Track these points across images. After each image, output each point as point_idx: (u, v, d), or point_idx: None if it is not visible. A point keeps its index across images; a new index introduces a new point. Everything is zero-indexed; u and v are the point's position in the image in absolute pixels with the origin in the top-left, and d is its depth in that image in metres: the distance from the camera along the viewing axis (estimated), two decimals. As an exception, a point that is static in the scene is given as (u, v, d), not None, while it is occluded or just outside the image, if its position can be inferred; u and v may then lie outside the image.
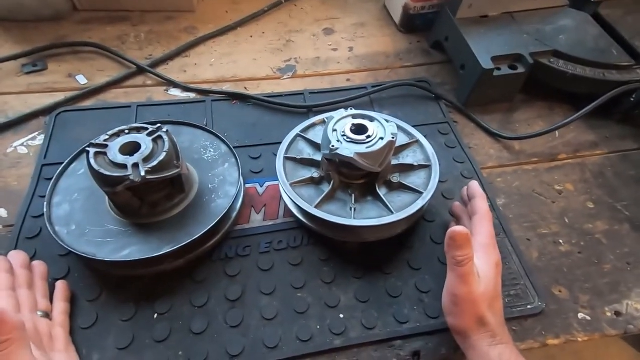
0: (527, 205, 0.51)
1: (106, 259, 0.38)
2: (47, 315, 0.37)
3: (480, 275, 0.36)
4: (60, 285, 0.40)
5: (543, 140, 0.58)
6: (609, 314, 0.43)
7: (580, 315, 0.42)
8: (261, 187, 0.51)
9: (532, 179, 0.54)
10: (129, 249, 0.40)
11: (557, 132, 0.58)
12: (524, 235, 0.48)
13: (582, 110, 0.55)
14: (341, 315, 0.41)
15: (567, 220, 0.50)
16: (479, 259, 0.37)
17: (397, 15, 0.74)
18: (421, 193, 0.44)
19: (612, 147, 0.58)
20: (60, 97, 0.58)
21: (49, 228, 0.40)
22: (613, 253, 0.47)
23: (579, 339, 0.41)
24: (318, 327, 0.40)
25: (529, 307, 0.42)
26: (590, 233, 0.49)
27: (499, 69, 0.57)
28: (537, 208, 0.51)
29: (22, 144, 0.53)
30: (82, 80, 0.62)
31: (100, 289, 0.41)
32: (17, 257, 0.39)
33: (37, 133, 0.54)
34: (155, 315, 0.40)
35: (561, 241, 0.48)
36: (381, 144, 0.42)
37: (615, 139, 0.59)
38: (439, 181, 0.45)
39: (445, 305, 0.37)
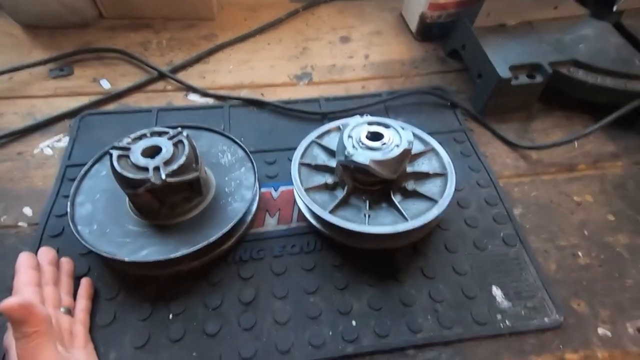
0: (545, 216, 0.50)
1: (125, 259, 0.39)
2: (70, 311, 0.38)
3: None
4: (85, 283, 0.41)
5: (561, 150, 0.57)
6: (630, 330, 0.41)
7: (601, 331, 0.41)
8: (276, 191, 0.52)
9: (550, 189, 0.53)
10: (148, 250, 0.41)
11: (575, 143, 0.57)
12: (541, 246, 0.48)
13: (603, 121, 0.54)
14: (353, 322, 0.41)
15: (586, 233, 0.49)
16: None
17: (413, 24, 0.74)
18: (436, 201, 0.44)
19: (633, 158, 0.56)
20: (84, 100, 0.60)
21: (72, 227, 0.41)
22: (635, 267, 0.46)
23: (599, 355, 0.40)
24: (330, 333, 0.40)
25: (546, 320, 0.41)
26: (611, 246, 0.48)
27: (516, 77, 0.56)
28: (555, 219, 0.50)
29: (47, 146, 0.55)
30: (105, 84, 0.64)
31: (118, 288, 0.42)
32: (46, 254, 0.40)
33: (62, 135, 0.57)
34: (171, 316, 0.41)
35: (580, 254, 0.47)
36: (397, 151, 0.42)
37: (637, 150, 0.57)
38: (455, 189, 0.45)
39: None
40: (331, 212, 0.44)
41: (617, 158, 0.57)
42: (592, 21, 0.63)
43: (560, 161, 0.56)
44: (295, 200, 0.50)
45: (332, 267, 0.45)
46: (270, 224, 0.49)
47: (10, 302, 0.28)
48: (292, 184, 0.46)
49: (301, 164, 0.48)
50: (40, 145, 0.55)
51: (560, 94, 0.59)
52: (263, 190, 0.51)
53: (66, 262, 0.42)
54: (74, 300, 0.40)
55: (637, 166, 0.56)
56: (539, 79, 0.57)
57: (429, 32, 0.72)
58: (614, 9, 0.62)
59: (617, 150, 0.58)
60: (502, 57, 0.57)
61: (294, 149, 0.50)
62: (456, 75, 0.68)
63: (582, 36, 0.61)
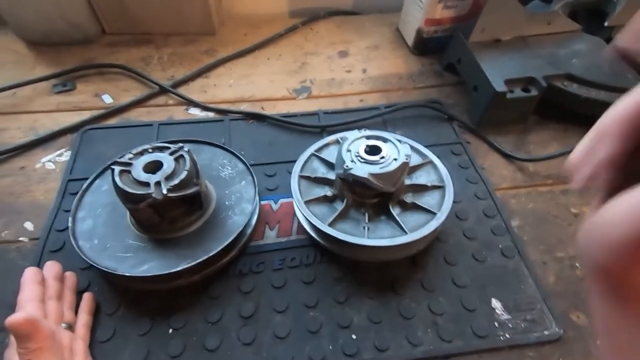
0: (543, 227, 0.51)
1: (126, 274, 0.39)
2: (71, 327, 0.38)
3: None
4: (87, 298, 0.41)
5: (558, 162, 0.57)
6: (630, 343, 0.41)
7: (600, 343, 0.41)
8: (276, 203, 0.52)
9: (547, 201, 0.54)
10: (148, 264, 0.41)
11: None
12: (539, 258, 0.48)
13: (597, 133, 0.55)
14: (353, 336, 0.41)
15: (584, 244, 0.49)
16: None
17: (410, 38, 0.76)
18: (435, 213, 0.45)
19: (628, 169, 0.57)
20: (86, 115, 0.61)
21: (73, 242, 0.42)
22: (633, 279, 0.46)
23: (600, 368, 0.40)
24: (330, 347, 0.40)
25: (546, 332, 0.41)
26: (609, 257, 0.48)
27: (512, 91, 0.58)
28: (552, 231, 0.50)
29: (49, 160, 0.56)
30: (107, 99, 0.65)
31: (118, 303, 0.42)
32: (52, 268, 0.40)
33: (64, 149, 0.57)
34: (170, 331, 0.41)
35: (578, 265, 0.47)
36: (395, 164, 0.43)
37: (632, 161, 0.58)
38: (453, 201, 0.45)
39: None
40: (330, 224, 0.44)
41: (613, 169, 0.57)
42: (584, 36, 0.64)
43: (557, 173, 0.57)
44: (295, 213, 0.50)
45: (331, 280, 0.45)
46: (270, 236, 0.49)
47: (16, 317, 0.28)
48: (292, 196, 0.47)
49: (301, 177, 0.49)
50: (42, 159, 0.56)
51: (556, 107, 0.60)
52: (263, 202, 0.52)
53: (70, 277, 0.42)
54: (76, 315, 0.40)
55: (632, 177, 0.56)
56: (534, 92, 0.58)
57: (425, 46, 0.74)
58: (605, 24, 0.64)
59: (613, 161, 0.58)
60: (497, 71, 0.59)
61: (294, 161, 0.50)
62: (453, 89, 0.69)
63: (575, 51, 0.62)
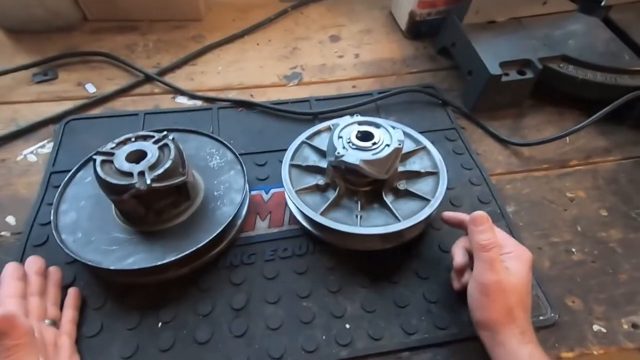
0: (538, 212, 0.50)
1: (111, 267, 0.38)
2: (55, 323, 0.37)
3: (509, 268, 0.35)
4: (72, 293, 0.40)
5: (553, 146, 0.57)
6: (625, 326, 0.41)
7: (595, 327, 0.41)
8: (267, 193, 0.51)
9: (542, 185, 0.53)
10: (134, 257, 0.40)
11: (567, 138, 0.57)
12: (535, 243, 0.47)
13: (594, 116, 0.54)
14: (347, 326, 0.40)
15: (579, 228, 0.49)
16: (508, 254, 0.36)
17: (403, 22, 0.74)
18: (428, 200, 0.44)
19: (625, 153, 0.56)
20: (69, 105, 0.59)
21: (56, 236, 0.40)
22: (628, 262, 0.46)
23: (595, 352, 0.40)
24: (324, 337, 0.40)
25: (541, 318, 0.41)
26: (604, 241, 0.48)
27: (507, 74, 0.56)
28: (548, 216, 0.50)
29: (31, 152, 0.54)
30: (91, 88, 0.62)
31: (105, 297, 0.41)
32: (34, 263, 0.39)
33: (46, 141, 0.55)
34: (160, 324, 0.40)
35: (574, 250, 0.47)
36: (387, 150, 0.41)
37: (628, 144, 0.57)
38: (447, 188, 0.44)
39: (474, 298, 0.35)
40: (322, 213, 0.43)
41: (609, 153, 0.57)
42: (580, 16, 0.63)
43: (552, 157, 0.56)
44: (286, 203, 0.49)
45: (324, 269, 0.44)
46: (261, 227, 0.48)
47: None
48: (283, 185, 0.45)
49: (292, 165, 0.48)
50: (23, 152, 0.54)
51: (551, 90, 0.59)
52: (253, 192, 0.50)
53: (54, 272, 0.41)
54: (61, 311, 0.39)
55: (628, 161, 0.56)
56: (529, 75, 0.57)
57: (418, 30, 0.72)
58: (602, 4, 0.62)
59: (609, 145, 0.57)
60: (492, 54, 0.57)
61: (285, 150, 0.49)
62: (447, 73, 0.67)
63: (571, 32, 0.61)
